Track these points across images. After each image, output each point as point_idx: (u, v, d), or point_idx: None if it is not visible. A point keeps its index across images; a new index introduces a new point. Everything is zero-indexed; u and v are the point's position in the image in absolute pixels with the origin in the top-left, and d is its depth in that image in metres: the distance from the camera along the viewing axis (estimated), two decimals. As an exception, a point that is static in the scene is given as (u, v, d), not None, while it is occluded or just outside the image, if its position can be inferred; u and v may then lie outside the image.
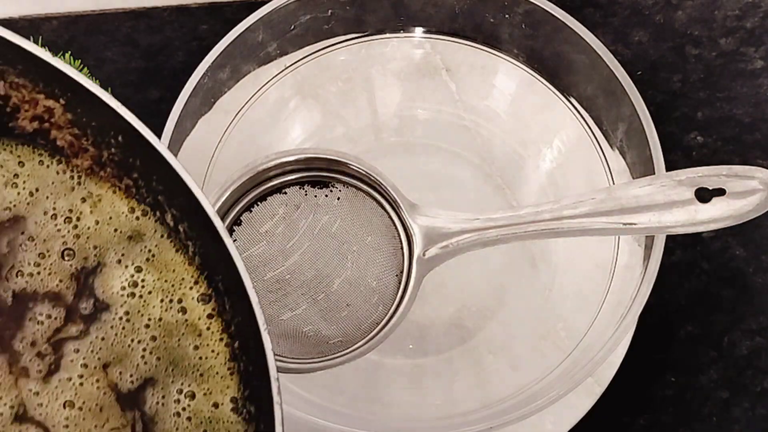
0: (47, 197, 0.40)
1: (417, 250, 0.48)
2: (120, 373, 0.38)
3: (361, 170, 0.48)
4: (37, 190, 0.40)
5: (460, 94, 0.59)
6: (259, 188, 0.48)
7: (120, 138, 0.38)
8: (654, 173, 0.50)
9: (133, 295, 0.39)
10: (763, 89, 0.63)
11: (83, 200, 0.40)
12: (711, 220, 0.46)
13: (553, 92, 0.57)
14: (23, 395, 0.37)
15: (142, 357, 0.38)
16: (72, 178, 0.40)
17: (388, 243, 0.49)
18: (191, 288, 0.39)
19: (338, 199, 0.49)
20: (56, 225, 0.39)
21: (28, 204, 0.39)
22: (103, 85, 0.38)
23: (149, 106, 0.61)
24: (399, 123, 0.60)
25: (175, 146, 0.50)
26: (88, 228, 0.39)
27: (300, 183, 0.49)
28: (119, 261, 0.39)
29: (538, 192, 0.57)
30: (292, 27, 0.56)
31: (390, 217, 0.49)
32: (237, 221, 0.48)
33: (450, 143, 0.59)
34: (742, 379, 0.56)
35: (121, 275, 0.39)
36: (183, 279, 0.39)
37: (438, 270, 0.49)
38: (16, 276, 0.39)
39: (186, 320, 0.39)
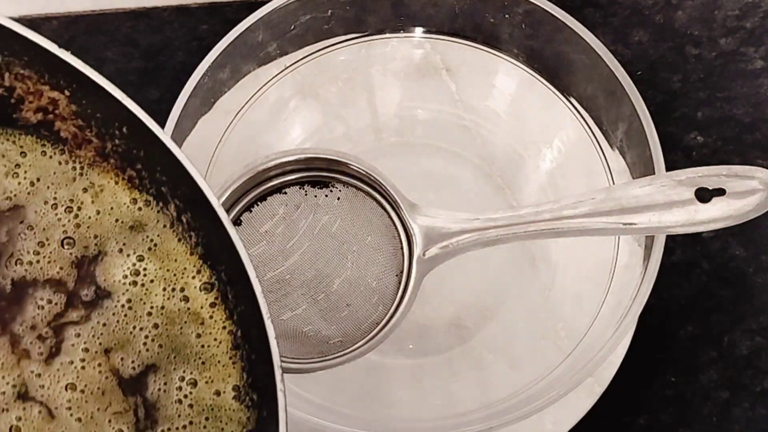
0: (48, 187, 0.40)
1: (417, 250, 0.48)
2: (122, 359, 0.38)
3: (361, 170, 0.48)
4: (38, 179, 0.40)
5: (460, 94, 0.59)
6: (259, 188, 0.48)
7: (124, 129, 0.39)
8: (654, 173, 0.50)
9: (135, 283, 0.39)
10: (763, 89, 0.63)
11: (84, 190, 0.40)
12: (711, 220, 0.46)
13: (553, 92, 0.57)
14: (25, 375, 0.38)
15: (144, 344, 0.39)
16: (74, 168, 0.40)
17: (388, 243, 0.49)
18: (194, 277, 0.39)
19: (338, 199, 0.49)
20: (56, 214, 0.40)
21: (28, 194, 0.40)
22: (103, 85, 0.38)
23: (149, 106, 0.60)
24: (399, 123, 0.60)
25: (175, 146, 0.50)
26: (89, 218, 0.40)
27: (300, 183, 0.49)
28: (120, 250, 0.39)
29: (538, 192, 0.57)
30: (292, 27, 0.56)
31: (390, 217, 0.49)
32: (237, 221, 0.48)
33: (450, 143, 0.59)
34: (742, 379, 0.56)
35: (122, 264, 0.39)
36: (185, 268, 0.39)
37: (438, 270, 0.49)
38: (16, 264, 0.39)
39: (188, 309, 0.39)
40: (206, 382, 0.38)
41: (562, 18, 0.54)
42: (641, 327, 0.53)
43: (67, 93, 0.39)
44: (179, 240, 0.40)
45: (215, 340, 0.39)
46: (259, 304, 0.36)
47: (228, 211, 0.47)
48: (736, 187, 0.46)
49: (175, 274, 0.39)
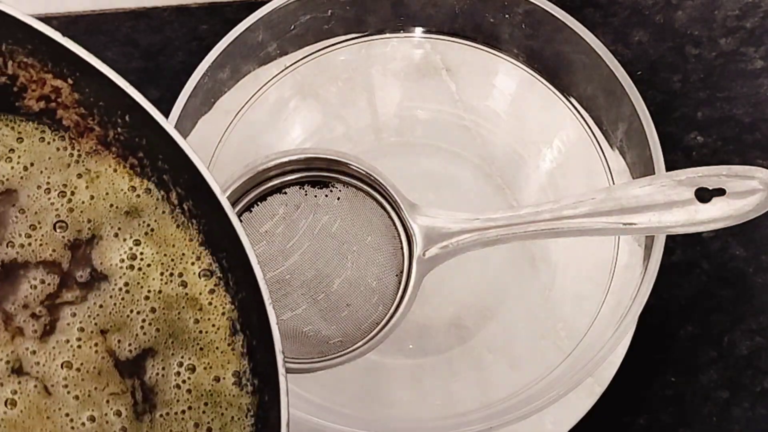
0: (41, 172, 0.40)
1: (417, 250, 0.48)
2: (119, 341, 0.39)
3: (361, 170, 0.48)
4: (31, 164, 0.40)
5: (460, 94, 0.59)
6: (259, 188, 0.48)
7: (127, 117, 0.39)
8: (654, 173, 0.50)
9: (132, 267, 0.39)
10: (763, 89, 0.63)
11: (79, 176, 0.40)
12: (711, 220, 0.46)
13: (553, 92, 0.57)
14: (19, 352, 0.38)
15: (141, 327, 0.39)
16: (71, 155, 0.41)
17: (388, 243, 0.49)
18: (193, 263, 0.40)
19: (338, 199, 0.49)
20: (50, 199, 0.40)
21: (21, 178, 0.40)
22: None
23: (149, 106, 0.61)
24: (399, 123, 0.60)
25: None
26: (83, 202, 0.40)
27: (300, 183, 0.49)
28: (116, 234, 0.40)
29: (538, 192, 0.57)
30: (292, 27, 0.56)
31: (390, 217, 0.49)
32: (237, 221, 0.48)
33: (450, 143, 0.59)
34: (742, 379, 0.56)
35: (119, 248, 0.40)
36: (184, 254, 0.40)
37: (438, 270, 0.49)
38: (7, 246, 0.39)
39: (186, 294, 0.39)
40: (205, 368, 0.39)
41: (562, 18, 0.54)
42: (641, 327, 0.53)
43: (70, 81, 0.39)
44: (178, 226, 0.40)
45: (213, 326, 0.39)
46: (260, 291, 0.36)
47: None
48: (736, 187, 0.46)
49: (173, 259, 0.40)
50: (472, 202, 0.57)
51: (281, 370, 0.35)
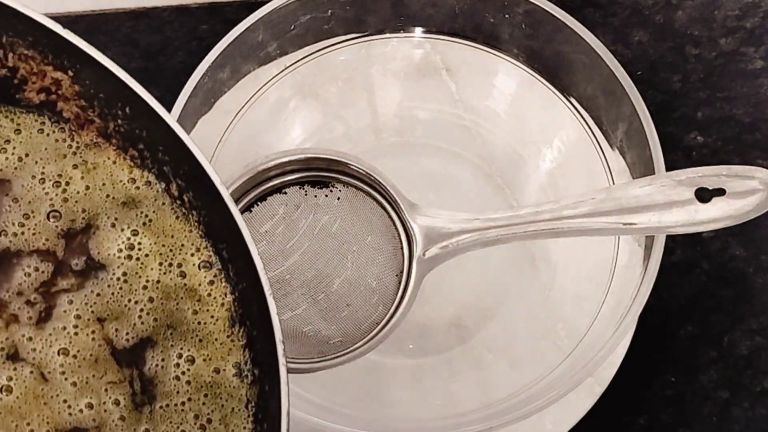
0: (36, 162, 0.40)
1: (417, 250, 0.48)
2: (116, 330, 0.39)
3: (361, 170, 0.48)
4: (26, 155, 0.40)
5: (460, 94, 0.59)
6: (259, 188, 0.48)
7: (127, 109, 0.39)
8: (654, 173, 0.50)
9: (130, 257, 0.40)
10: (763, 89, 0.63)
11: (75, 167, 0.40)
12: (711, 220, 0.46)
13: (553, 92, 0.57)
14: (15, 339, 0.38)
15: (139, 317, 0.39)
16: (70, 147, 0.41)
17: (388, 243, 0.49)
18: (192, 255, 0.40)
19: (338, 199, 0.49)
20: (44, 188, 0.40)
21: (15, 168, 0.40)
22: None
23: (149, 106, 0.61)
24: (399, 123, 0.60)
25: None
26: (77, 192, 0.40)
27: (300, 183, 0.49)
28: (113, 225, 0.40)
29: (538, 192, 0.57)
30: (292, 27, 0.56)
31: (390, 217, 0.49)
32: (237, 221, 0.48)
33: (450, 143, 0.59)
34: (742, 379, 0.56)
35: (117, 238, 0.40)
36: (183, 245, 0.40)
37: (438, 270, 0.49)
38: (0, 235, 0.40)
39: (185, 284, 0.39)
40: (204, 360, 0.39)
41: (562, 18, 0.54)
42: (641, 327, 0.53)
43: (70, 73, 0.39)
44: (177, 218, 0.40)
45: (212, 317, 0.39)
46: (261, 281, 0.36)
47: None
48: (736, 187, 0.46)
49: (171, 250, 0.40)
50: (472, 202, 0.57)
51: (281, 360, 0.35)
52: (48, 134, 0.41)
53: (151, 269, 0.40)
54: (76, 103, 0.40)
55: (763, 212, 0.46)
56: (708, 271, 0.58)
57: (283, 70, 0.57)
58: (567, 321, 0.53)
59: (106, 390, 0.38)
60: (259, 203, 0.48)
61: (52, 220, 0.40)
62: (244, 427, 0.38)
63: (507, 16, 0.56)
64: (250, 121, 0.56)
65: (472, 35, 0.58)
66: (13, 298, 0.39)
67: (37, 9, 0.61)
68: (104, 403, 0.38)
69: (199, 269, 0.40)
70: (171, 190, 0.40)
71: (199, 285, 0.39)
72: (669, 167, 0.49)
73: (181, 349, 0.39)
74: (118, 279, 0.39)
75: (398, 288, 0.48)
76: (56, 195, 0.40)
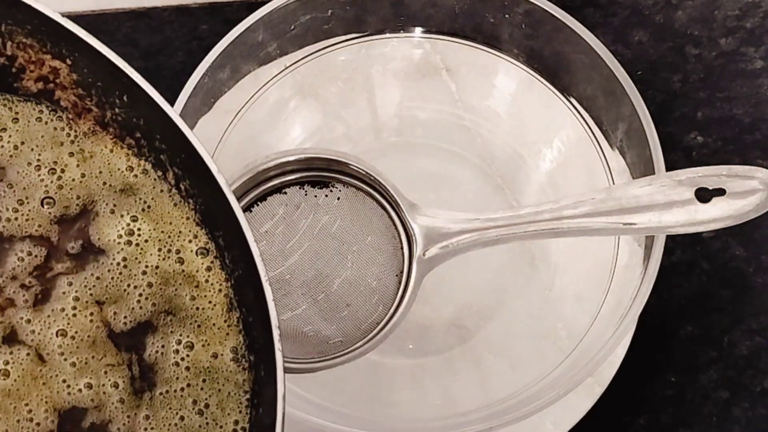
0: (32, 149, 0.41)
1: (417, 250, 0.48)
2: (114, 313, 0.39)
3: (361, 170, 0.48)
4: (22, 143, 0.41)
5: (460, 94, 0.59)
6: (259, 188, 0.48)
7: (125, 98, 0.39)
8: (654, 173, 0.50)
9: (129, 243, 0.40)
10: (763, 89, 0.63)
11: (71, 155, 0.41)
12: (711, 220, 0.46)
13: (553, 92, 0.57)
14: (13, 321, 0.39)
15: (138, 302, 0.40)
16: (68, 135, 0.41)
17: (388, 243, 0.49)
18: (190, 241, 0.40)
19: (338, 199, 0.49)
20: (39, 175, 0.41)
21: (11, 156, 0.41)
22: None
23: (149, 106, 0.61)
24: (399, 123, 0.60)
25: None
26: (73, 180, 0.41)
27: (300, 183, 0.49)
28: (113, 211, 0.40)
29: (538, 192, 0.57)
30: (292, 27, 0.56)
31: (390, 217, 0.49)
32: (237, 221, 0.48)
33: (450, 143, 0.59)
34: (742, 379, 0.56)
35: (116, 224, 0.40)
36: (180, 232, 0.40)
37: (438, 270, 0.49)
38: None
39: (183, 270, 0.40)
40: (203, 345, 0.39)
41: (562, 18, 0.54)
42: (641, 327, 0.53)
43: (68, 62, 0.40)
44: (175, 205, 0.41)
45: (210, 302, 0.40)
46: (257, 268, 0.36)
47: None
48: (736, 187, 0.46)
49: (170, 236, 0.40)
50: (472, 202, 0.57)
51: (277, 345, 0.36)
52: (46, 122, 0.41)
53: (151, 255, 0.40)
54: (73, 91, 0.40)
55: (763, 212, 0.46)
56: (708, 271, 0.58)
57: (283, 70, 0.57)
58: (567, 321, 0.53)
59: (105, 372, 0.39)
60: (259, 203, 0.48)
61: (45, 206, 0.40)
62: (240, 411, 0.38)
63: (507, 16, 0.56)
64: (250, 121, 0.56)
65: (472, 35, 0.58)
66: (7, 282, 0.39)
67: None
68: (103, 385, 0.39)
69: (197, 255, 0.40)
70: (168, 178, 0.40)
71: (197, 271, 0.40)
72: (669, 167, 0.49)
73: (180, 335, 0.39)
74: (118, 264, 0.40)
75: (398, 288, 0.48)
76: (51, 182, 0.41)
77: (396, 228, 0.49)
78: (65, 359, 0.39)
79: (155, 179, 0.41)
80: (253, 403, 0.38)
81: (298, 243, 0.48)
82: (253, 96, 0.56)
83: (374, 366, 0.53)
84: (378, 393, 0.53)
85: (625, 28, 0.64)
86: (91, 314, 0.39)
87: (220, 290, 0.40)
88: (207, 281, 0.40)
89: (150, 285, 0.40)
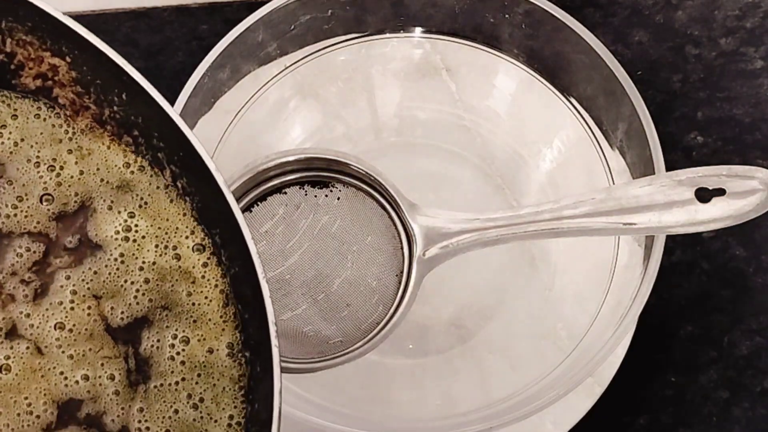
0: (32, 146, 0.41)
1: (417, 250, 0.48)
2: (112, 307, 0.40)
3: (361, 170, 0.48)
4: (22, 140, 0.41)
5: (460, 94, 0.59)
6: (259, 188, 0.48)
7: (124, 96, 0.39)
8: (654, 173, 0.50)
9: (127, 239, 0.40)
10: (763, 89, 0.63)
11: (69, 152, 0.41)
12: (711, 220, 0.46)
13: (553, 92, 0.57)
14: (13, 316, 0.39)
15: (135, 297, 0.40)
16: (66, 132, 0.41)
17: (388, 243, 0.49)
18: (187, 237, 0.40)
19: (338, 199, 0.49)
20: (38, 172, 0.41)
21: (11, 153, 0.41)
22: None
23: (149, 106, 0.61)
24: (399, 123, 0.60)
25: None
26: (71, 177, 0.41)
27: (300, 183, 0.49)
28: (110, 207, 0.41)
29: (538, 192, 0.57)
30: (292, 27, 0.56)
31: (390, 217, 0.49)
32: (237, 221, 0.48)
33: (450, 143, 0.59)
34: (742, 379, 0.56)
35: (114, 220, 0.40)
36: (177, 228, 0.41)
37: (438, 270, 0.49)
38: None
39: (180, 267, 0.40)
40: (198, 340, 0.39)
41: (562, 18, 0.54)
42: (641, 327, 0.53)
43: (68, 59, 0.40)
44: (171, 201, 0.41)
45: (206, 298, 0.40)
46: (254, 265, 0.36)
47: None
48: (736, 187, 0.46)
49: (167, 233, 0.40)
50: (472, 202, 0.57)
51: (274, 341, 0.36)
52: (44, 119, 0.41)
53: (148, 251, 0.40)
54: (72, 89, 0.40)
55: (763, 212, 0.46)
56: (708, 271, 0.58)
57: (283, 70, 0.57)
58: (567, 321, 0.53)
59: (102, 364, 0.39)
60: (259, 203, 0.48)
61: (44, 203, 0.41)
62: (235, 406, 0.39)
63: (507, 16, 0.56)
64: (250, 121, 0.56)
65: (472, 35, 0.58)
66: (7, 278, 0.40)
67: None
68: (99, 376, 0.39)
69: (193, 252, 0.40)
70: (165, 176, 0.41)
71: (194, 267, 0.40)
72: (669, 167, 0.49)
73: (176, 330, 0.39)
74: (116, 260, 0.40)
75: (398, 288, 0.48)
76: (50, 179, 0.41)
77: (396, 228, 0.49)
78: (63, 351, 0.39)
79: (152, 176, 0.41)
80: (248, 399, 0.39)
81: (298, 243, 0.48)
82: (253, 96, 0.56)
83: (374, 366, 0.53)
84: (378, 393, 0.53)
85: (625, 28, 0.64)
86: (89, 308, 0.39)
87: (216, 286, 0.40)
88: (203, 277, 0.40)
89: (147, 281, 0.40)
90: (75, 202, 0.41)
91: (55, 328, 0.39)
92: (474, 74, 0.59)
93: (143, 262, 0.40)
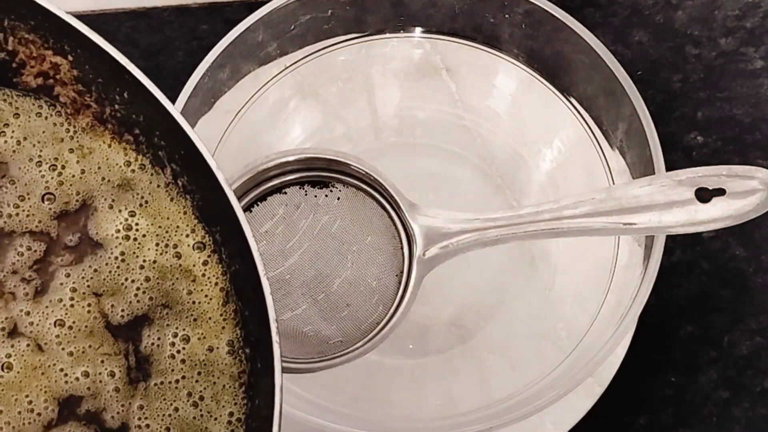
0: (34, 145, 0.41)
1: (417, 250, 0.48)
2: (112, 305, 0.40)
3: (361, 170, 0.48)
4: (25, 138, 0.41)
5: (460, 94, 0.59)
6: (259, 188, 0.48)
7: (126, 94, 0.40)
8: (654, 173, 0.50)
9: (127, 237, 0.41)
10: (763, 89, 0.63)
11: (71, 151, 0.41)
12: (711, 220, 0.46)
13: (553, 92, 0.57)
14: (14, 315, 0.39)
15: (135, 295, 0.40)
16: (68, 131, 0.41)
17: (388, 243, 0.49)
18: (187, 236, 0.41)
19: (338, 199, 0.49)
20: (40, 171, 0.41)
21: (13, 151, 0.41)
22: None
23: (149, 106, 0.61)
24: (399, 123, 0.60)
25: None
26: (73, 176, 0.41)
27: (300, 183, 0.49)
28: (111, 206, 0.41)
29: (538, 192, 0.57)
30: (292, 27, 0.56)
31: (390, 217, 0.49)
32: (237, 221, 0.48)
33: (450, 143, 0.59)
34: (742, 379, 0.56)
35: (114, 219, 0.41)
36: (178, 227, 0.41)
37: (438, 270, 0.49)
38: None
39: (180, 265, 0.40)
40: (198, 339, 0.39)
41: (562, 18, 0.54)
42: (641, 327, 0.53)
43: (70, 58, 0.40)
44: (172, 200, 0.41)
45: (206, 296, 0.40)
46: (254, 262, 0.36)
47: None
48: (736, 187, 0.46)
49: (167, 231, 0.41)
50: (472, 202, 0.57)
51: (275, 338, 0.36)
52: (46, 117, 0.41)
53: (148, 249, 0.40)
54: (73, 87, 0.41)
55: (763, 212, 0.46)
56: (708, 271, 0.58)
57: (283, 70, 0.57)
58: (567, 321, 0.53)
59: (102, 361, 0.39)
60: (259, 203, 0.48)
61: (46, 202, 0.41)
62: (236, 403, 0.39)
63: (507, 16, 0.56)
64: (250, 121, 0.56)
65: (472, 35, 0.58)
66: (8, 277, 0.40)
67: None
68: (100, 373, 0.39)
69: (194, 250, 0.40)
70: (165, 174, 0.41)
71: (194, 266, 0.40)
72: (669, 167, 0.49)
73: (177, 328, 0.40)
74: (116, 258, 0.40)
75: (398, 288, 0.48)
76: (52, 178, 0.41)
77: (396, 228, 0.49)
78: (63, 348, 0.39)
79: (152, 174, 0.41)
80: (249, 395, 0.39)
81: (298, 243, 0.48)
82: (253, 96, 0.56)
83: (374, 366, 0.53)
84: (378, 393, 0.53)
85: (625, 28, 0.64)
86: (89, 305, 0.40)
87: (216, 284, 0.40)
88: (204, 275, 0.40)
89: (147, 279, 0.40)
90: (76, 201, 0.41)
91: (54, 325, 0.39)
92: (474, 74, 0.59)
93: (144, 261, 0.40)
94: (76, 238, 0.40)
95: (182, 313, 0.40)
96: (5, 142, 0.41)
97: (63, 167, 0.41)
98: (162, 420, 0.39)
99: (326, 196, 0.49)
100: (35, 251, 0.40)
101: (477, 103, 0.59)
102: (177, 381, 0.39)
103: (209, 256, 0.40)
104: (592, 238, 0.49)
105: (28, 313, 0.39)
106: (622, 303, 0.50)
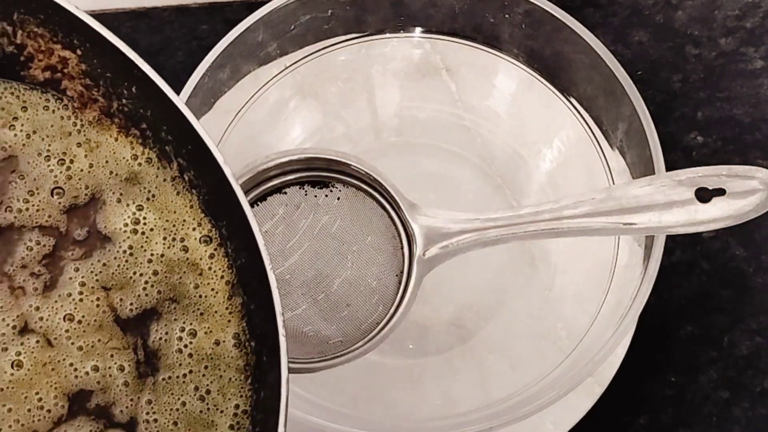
0: (43, 140, 0.41)
1: (417, 251, 0.48)
2: (121, 299, 0.40)
3: (361, 170, 0.48)
4: (34, 132, 0.41)
5: (460, 94, 0.59)
6: (259, 188, 0.48)
7: (134, 89, 0.40)
8: (654, 173, 0.50)
9: (135, 231, 0.41)
10: (763, 89, 0.63)
11: (79, 145, 0.41)
12: (711, 220, 0.46)
13: (553, 92, 0.57)
14: (24, 311, 0.39)
15: (144, 289, 0.40)
16: (75, 124, 0.41)
17: (388, 243, 0.49)
18: (194, 229, 0.41)
19: (338, 199, 0.49)
20: (49, 166, 0.41)
21: (23, 145, 0.41)
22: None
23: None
24: (399, 123, 0.60)
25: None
26: (81, 170, 0.41)
27: (300, 183, 0.49)
28: (119, 200, 0.41)
29: (538, 192, 0.57)
30: (292, 27, 0.56)
31: (390, 217, 0.49)
32: (237, 221, 0.48)
33: (450, 143, 0.59)
34: (742, 379, 0.56)
35: (123, 213, 0.41)
36: (185, 221, 0.41)
37: (438, 270, 0.49)
38: (5, 211, 0.40)
39: (187, 258, 0.40)
40: (205, 333, 0.40)
41: (562, 18, 0.54)
42: (641, 327, 0.53)
43: (79, 52, 0.40)
44: (178, 194, 0.41)
45: (213, 290, 0.40)
46: (261, 256, 0.37)
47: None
48: (736, 187, 0.46)
49: (174, 225, 0.41)
50: (472, 202, 0.57)
51: (281, 331, 0.36)
52: (53, 111, 0.41)
53: (156, 243, 0.41)
54: (81, 81, 0.41)
55: (763, 212, 0.46)
56: (708, 271, 0.58)
57: (283, 70, 0.57)
58: (567, 321, 0.53)
59: (111, 355, 0.39)
60: (259, 203, 0.48)
61: (55, 196, 0.41)
62: (241, 396, 0.39)
63: (507, 16, 0.56)
64: (250, 121, 0.56)
65: (472, 35, 0.58)
66: (18, 271, 0.40)
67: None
68: (109, 367, 0.39)
69: (200, 243, 0.41)
70: (172, 169, 0.41)
71: (201, 259, 0.40)
72: (669, 167, 0.49)
73: (184, 322, 0.40)
74: (125, 252, 0.40)
75: (398, 288, 0.48)
76: (60, 172, 0.41)
77: (396, 228, 0.49)
78: (72, 343, 0.39)
79: (159, 168, 0.41)
80: (254, 388, 0.39)
81: (298, 243, 0.48)
82: (253, 96, 0.56)
83: (374, 366, 0.53)
84: (378, 393, 0.53)
85: (625, 28, 0.64)
86: (98, 299, 0.40)
87: (222, 277, 0.40)
88: (210, 268, 0.40)
89: (155, 273, 0.40)
90: (85, 195, 0.41)
91: (64, 320, 0.39)
92: (474, 74, 0.59)
93: (152, 254, 0.40)
94: (85, 232, 0.40)
95: (189, 307, 0.40)
96: (15, 135, 0.41)
97: (71, 161, 0.41)
98: (170, 414, 0.39)
99: (326, 196, 0.49)
100: (44, 246, 0.40)
101: (477, 103, 0.59)
102: (184, 375, 0.39)
103: (215, 250, 0.40)
104: (592, 238, 0.49)
105: (38, 309, 0.39)
106: (622, 303, 0.50)
